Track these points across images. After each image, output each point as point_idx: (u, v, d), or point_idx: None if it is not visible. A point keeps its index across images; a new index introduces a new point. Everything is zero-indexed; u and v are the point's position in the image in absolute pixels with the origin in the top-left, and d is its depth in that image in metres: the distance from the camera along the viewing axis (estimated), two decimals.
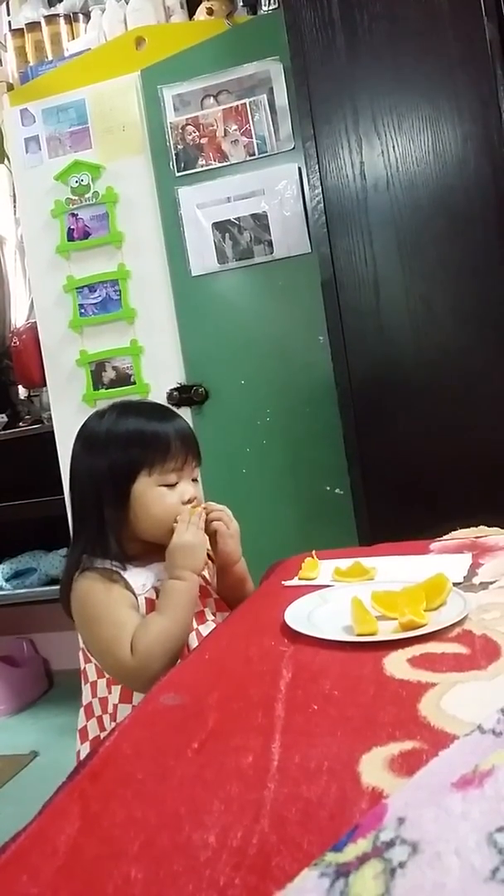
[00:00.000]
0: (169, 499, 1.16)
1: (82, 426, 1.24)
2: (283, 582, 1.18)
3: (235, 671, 0.84)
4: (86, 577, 1.13)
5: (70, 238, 2.40)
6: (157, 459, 1.15)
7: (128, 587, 1.13)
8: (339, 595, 1.02)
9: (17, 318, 2.98)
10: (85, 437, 1.22)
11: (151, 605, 1.14)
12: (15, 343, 2.78)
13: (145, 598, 1.14)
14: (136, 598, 1.13)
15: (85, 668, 1.17)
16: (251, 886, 0.46)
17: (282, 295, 2.19)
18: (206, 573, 1.24)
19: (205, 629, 1.16)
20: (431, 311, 1.71)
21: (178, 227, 2.27)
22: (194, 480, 1.22)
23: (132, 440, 1.17)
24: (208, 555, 1.21)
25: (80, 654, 1.18)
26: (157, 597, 1.15)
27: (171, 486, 1.17)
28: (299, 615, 0.95)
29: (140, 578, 1.15)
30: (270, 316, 2.21)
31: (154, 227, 2.32)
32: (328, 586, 1.10)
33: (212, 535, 1.22)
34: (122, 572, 1.14)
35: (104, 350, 2.39)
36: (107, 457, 1.16)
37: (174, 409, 1.95)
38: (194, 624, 1.15)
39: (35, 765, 2.32)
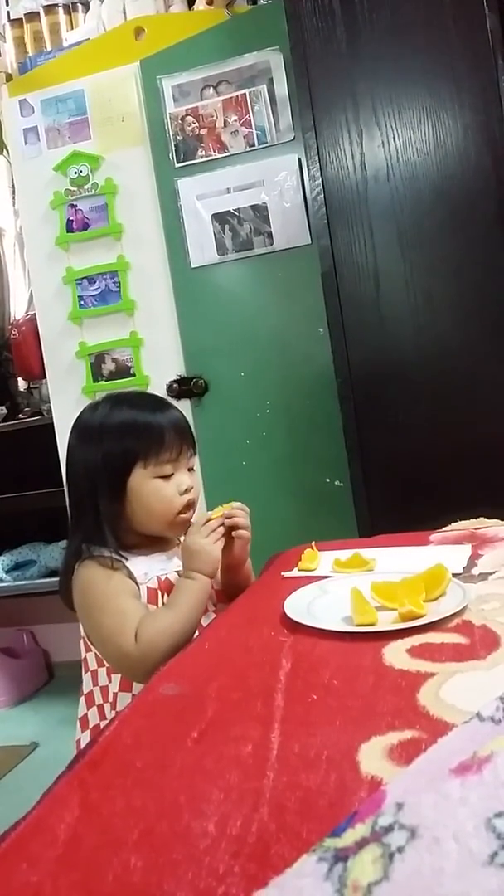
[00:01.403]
0: (165, 491, 1.16)
1: (77, 418, 1.24)
2: (282, 573, 1.18)
3: (235, 661, 0.85)
4: (87, 565, 1.13)
5: (69, 229, 2.40)
6: (152, 451, 1.15)
7: (130, 576, 1.13)
8: (338, 586, 1.02)
9: (17, 310, 2.98)
10: (79, 430, 1.22)
11: (153, 595, 1.14)
12: (14, 335, 2.78)
13: (147, 587, 1.14)
14: (138, 586, 1.13)
15: (86, 656, 1.17)
16: (250, 874, 0.46)
17: (282, 286, 2.19)
18: None
19: (206, 619, 1.16)
20: (432, 302, 1.71)
21: (178, 219, 2.27)
22: (190, 470, 1.22)
23: (125, 431, 1.16)
24: None
25: (81, 642, 1.18)
26: (160, 587, 1.15)
27: (167, 477, 1.17)
28: (299, 606, 0.95)
29: (142, 567, 1.15)
30: (270, 308, 2.21)
31: (153, 218, 2.31)
32: (328, 577, 1.10)
33: (230, 541, 1.20)
34: (123, 561, 1.14)
35: (104, 342, 2.39)
36: (101, 449, 1.16)
37: (173, 400, 1.95)
38: (200, 618, 1.15)
39: (35, 756, 2.33)
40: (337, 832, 0.45)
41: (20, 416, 2.87)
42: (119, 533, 1.16)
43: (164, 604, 1.13)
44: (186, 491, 1.17)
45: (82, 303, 2.40)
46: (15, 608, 2.98)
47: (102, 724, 1.11)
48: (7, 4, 2.90)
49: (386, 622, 0.86)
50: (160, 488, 1.16)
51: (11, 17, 2.84)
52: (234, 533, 1.19)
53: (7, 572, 2.82)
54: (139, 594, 1.13)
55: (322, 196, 1.78)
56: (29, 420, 2.77)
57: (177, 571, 1.17)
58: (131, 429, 1.17)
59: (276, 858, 0.47)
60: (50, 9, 2.74)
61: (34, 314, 2.57)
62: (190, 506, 1.19)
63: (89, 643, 1.15)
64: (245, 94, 2.18)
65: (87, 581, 1.12)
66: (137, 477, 1.15)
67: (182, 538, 1.23)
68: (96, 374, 2.40)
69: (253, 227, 2.19)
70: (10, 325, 2.90)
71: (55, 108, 2.40)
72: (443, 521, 1.37)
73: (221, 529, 1.16)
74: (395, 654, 0.78)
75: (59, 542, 2.81)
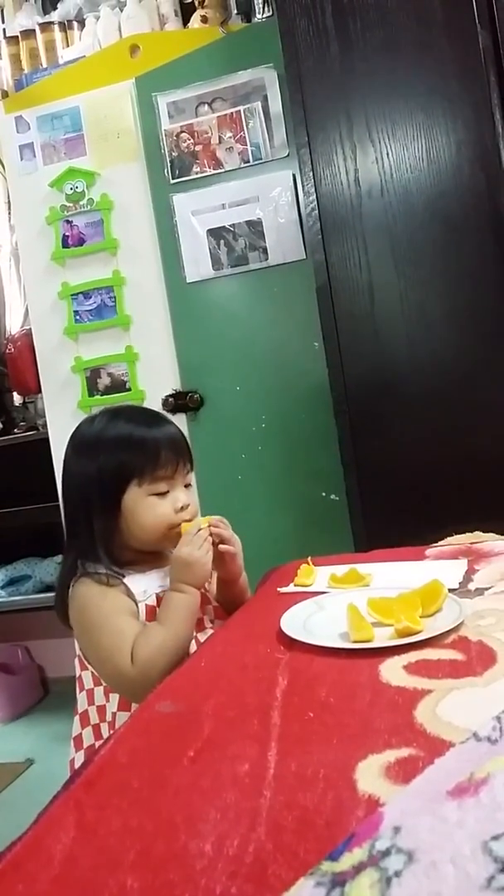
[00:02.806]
0: (160, 508, 1.15)
1: (73, 431, 1.23)
2: (278, 589, 1.18)
3: (231, 678, 0.84)
4: (83, 582, 1.12)
5: (65, 245, 2.41)
6: (147, 468, 1.14)
7: (128, 593, 1.12)
8: (334, 601, 1.02)
9: (12, 325, 2.98)
10: (75, 443, 1.21)
11: (152, 612, 1.13)
12: (10, 350, 2.78)
13: (146, 605, 1.13)
14: (137, 604, 1.12)
15: (81, 675, 1.16)
16: (247, 895, 0.46)
17: (277, 301, 2.20)
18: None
19: (203, 636, 1.15)
20: (426, 317, 1.71)
21: (173, 234, 2.28)
22: (188, 486, 1.21)
23: (121, 446, 1.15)
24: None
25: (76, 661, 1.17)
26: (158, 604, 1.14)
27: (162, 494, 1.16)
28: (295, 622, 0.95)
29: (141, 585, 1.14)
30: (265, 322, 2.22)
31: (149, 233, 2.32)
32: (324, 593, 1.10)
33: (219, 554, 1.19)
34: (120, 578, 1.13)
35: (99, 357, 2.40)
36: (96, 463, 1.15)
37: (169, 415, 1.95)
38: (193, 632, 1.14)
39: (30, 773, 2.31)
40: (334, 856, 0.45)
41: (15, 430, 2.86)
42: (113, 549, 1.15)
43: None
44: (183, 508, 1.17)
45: (78, 318, 2.40)
46: (10, 623, 2.97)
47: (98, 744, 1.10)
48: (3, 22, 2.92)
49: (382, 638, 0.85)
50: (155, 506, 1.15)
51: (7, 35, 2.85)
52: (220, 546, 1.18)
53: (2, 587, 2.81)
54: (137, 612, 1.12)
55: (316, 212, 1.79)
56: (24, 435, 2.77)
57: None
58: (127, 444, 1.16)
59: (273, 879, 0.47)
60: (46, 26, 2.75)
61: (30, 329, 2.57)
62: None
63: (85, 662, 1.14)
64: (240, 110, 2.20)
65: (83, 600, 1.12)
66: (132, 494, 1.14)
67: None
68: (92, 388, 2.41)
69: (248, 243, 2.20)
70: (5, 339, 2.90)
71: (51, 125, 2.41)
72: (439, 536, 1.37)
73: (210, 539, 1.16)
74: (392, 671, 0.77)
75: (55, 558, 2.80)
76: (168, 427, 1.21)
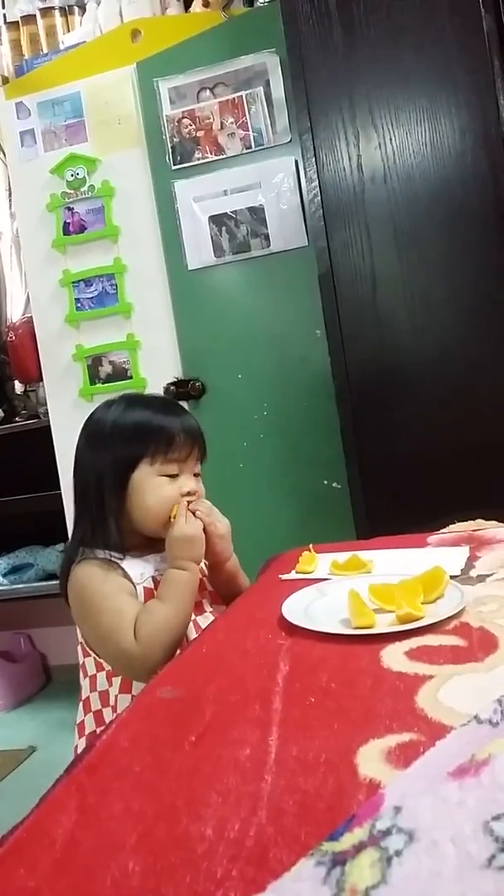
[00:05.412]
0: (166, 489, 1.16)
1: (90, 415, 1.24)
2: (280, 575, 1.18)
3: (233, 664, 0.84)
4: (83, 565, 1.13)
5: (66, 232, 2.40)
6: (161, 447, 1.16)
7: (126, 576, 1.13)
8: (336, 588, 1.02)
9: (13, 313, 2.98)
10: (91, 427, 1.22)
11: (150, 595, 1.14)
12: (11, 338, 2.78)
13: (143, 587, 1.14)
14: (135, 587, 1.13)
15: (84, 661, 1.17)
16: (248, 878, 0.46)
17: (279, 288, 2.19)
18: (202, 565, 1.23)
19: (203, 620, 1.16)
20: (429, 305, 1.71)
21: (175, 221, 2.27)
22: (197, 475, 1.22)
23: (138, 432, 1.17)
24: None
25: (79, 648, 1.18)
26: (156, 587, 1.15)
27: (172, 476, 1.17)
28: (296, 608, 0.95)
29: (138, 568, 1.15)
30: (267, 310, 2.21)
31: (150, 220, 2.32)
32: (325, 580, 1.10)
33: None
34: (119, 562, 1.14)
35: (101, 344, 2.39)
36: (111, 447, 1.16)
37: None
38: (193, 615, 1.15)
39: (33, 760, 2.32)
40: (335, 836, 0.45)
41: (17, 418, 2.87)
42: (120, 531, 1.16)
43: None
44: (189, 494, 1.17)
45: (79, 305, 2.40)
46: (12, 611, 2.98)
47: (99, 729, 1.11)
48: (3, 7, 2.90)
49: (384, 625, 0.85)
50: (161, 485, 1.16)
51: (7, 20, 2.84)
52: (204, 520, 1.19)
53: (4, 576, 2.81)
54: (135, 593, 1.13)
55: (319, 198, 1.78)
56: (26, 423, 2.77)
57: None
58: (144, 429, 1.17)
59: (274, 862, 0.47)
60: (46, 11, 2.74)
61: (31, 317, 2.57)
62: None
63: (87, 648, 1.15)
64: (242, 96, 2.18)
65: (84, 580, 1.12)
66: (141, 472, 1.15)
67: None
68: (93, 376, 2.40)
69: (250, 229, 2.19)
70: (6, 327, 2.90)
71: (52, 111, 2.40)
72: (441, 523, 1.37)
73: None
74: (393, 657, 0.77)
75: (57, 546, 2.81)
76: (185, 415, 1.24)
